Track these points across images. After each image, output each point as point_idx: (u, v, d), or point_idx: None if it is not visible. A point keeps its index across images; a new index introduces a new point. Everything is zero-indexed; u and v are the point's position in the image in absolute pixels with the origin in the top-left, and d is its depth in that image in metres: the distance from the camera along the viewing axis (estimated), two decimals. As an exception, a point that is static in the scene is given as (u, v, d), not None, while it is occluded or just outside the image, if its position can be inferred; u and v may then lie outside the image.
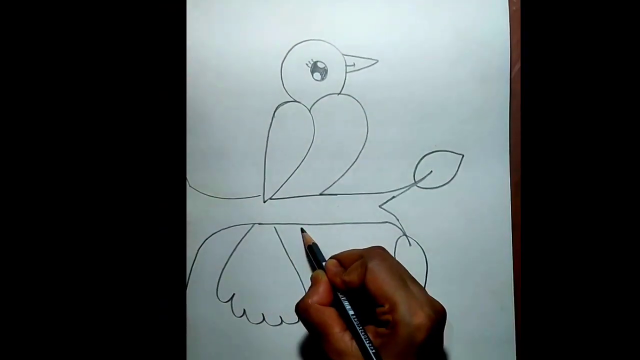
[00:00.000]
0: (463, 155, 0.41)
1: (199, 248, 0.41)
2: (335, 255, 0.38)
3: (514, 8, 0.40)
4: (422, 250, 0.41)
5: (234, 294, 0.41)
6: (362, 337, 0.33)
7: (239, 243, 0.41)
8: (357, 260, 0.36)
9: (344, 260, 0.37)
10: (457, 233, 0.40)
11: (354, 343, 0.34)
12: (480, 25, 0.40)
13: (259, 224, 0.41)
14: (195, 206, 0.41)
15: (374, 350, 0.33)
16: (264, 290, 0.41)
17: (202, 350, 0.41)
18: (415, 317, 0.33)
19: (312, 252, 0.39)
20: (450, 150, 0.41)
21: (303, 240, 0.41)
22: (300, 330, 0.41)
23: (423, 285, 0.40)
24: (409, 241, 0.41)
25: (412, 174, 0.41)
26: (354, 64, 0.41)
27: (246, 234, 0.41)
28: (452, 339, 0.40)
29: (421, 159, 0.41)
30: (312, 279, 0.38)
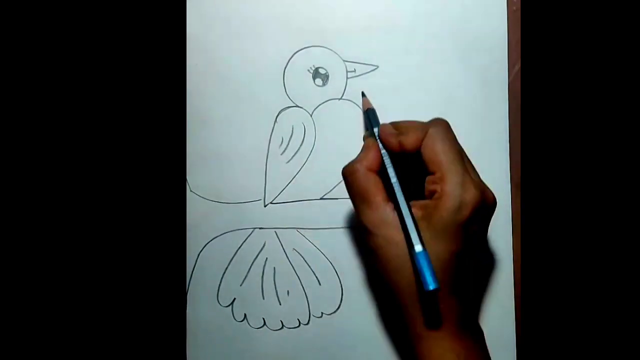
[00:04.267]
0: (463, 160, 0.41)
1: (200, 252, 0.41)
2: (394, 122, 0.35)
3: (514, 8, 0.40)
4: (422, 255, 0.41)
5: (234, 299, 0.41)
6: (404, 205, 0.31)
7: (239, 247, 0.41)
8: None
9: (402, 128, 0.34)
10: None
11: (395, 214, 0.31)
12: (479, 29, 0.41)
13: (260, 228, 0.41)
14: (195, 210, 0.41)
15: (414, 221, 0.30)
16: (265, 295, 0.41)
17: (202, 355, 0.41)
18: (466, 192, 0.30)
19: (368, 117, 0.37)
20: (450, 154, 0.41)
21: (362, 104, 0.39)
22: (301, 335, 0.41)
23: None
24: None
25: (413, 178, 0.41)
26: (355, 70, 0.41)
27: (247, 238, 0.41)
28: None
29: (421, 163, 0.41)
30: (364, 145, 0.35)
